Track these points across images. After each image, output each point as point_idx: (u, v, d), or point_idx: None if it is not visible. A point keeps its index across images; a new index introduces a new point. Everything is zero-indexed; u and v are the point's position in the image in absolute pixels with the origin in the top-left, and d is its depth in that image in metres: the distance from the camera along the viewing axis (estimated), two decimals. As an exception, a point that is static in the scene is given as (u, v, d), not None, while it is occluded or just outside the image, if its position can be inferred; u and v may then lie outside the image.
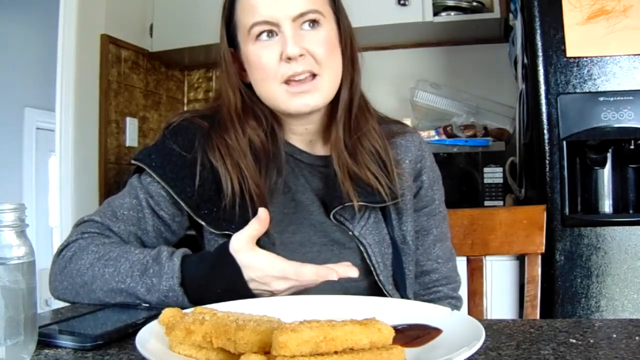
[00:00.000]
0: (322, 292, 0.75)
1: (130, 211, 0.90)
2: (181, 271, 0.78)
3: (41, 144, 3.86)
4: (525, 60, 1.61)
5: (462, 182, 2.03)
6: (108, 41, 2.33)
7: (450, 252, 1.04)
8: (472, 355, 0.48)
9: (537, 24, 1.50)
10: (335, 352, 0.45)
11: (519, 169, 1.90)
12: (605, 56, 1.46)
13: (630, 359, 0.53)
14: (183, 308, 0.60)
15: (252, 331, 0.48)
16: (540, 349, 0.56)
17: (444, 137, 2.13)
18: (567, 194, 1.48)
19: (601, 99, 1.45)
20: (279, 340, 0.43)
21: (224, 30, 0.94)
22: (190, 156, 0.90)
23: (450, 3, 2.23)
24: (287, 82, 0.88)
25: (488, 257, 1.21)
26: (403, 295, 0.93)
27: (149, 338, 0.53)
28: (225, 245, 0.77)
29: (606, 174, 1.53)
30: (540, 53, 1.49)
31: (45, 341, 0.60)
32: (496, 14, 2.18)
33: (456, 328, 0.56)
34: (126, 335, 0.63)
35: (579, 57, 1.47)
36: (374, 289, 0.91)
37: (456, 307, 1.02)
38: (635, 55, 1.46)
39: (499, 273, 1.71)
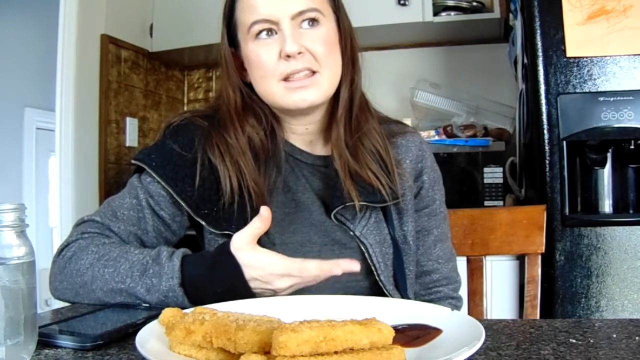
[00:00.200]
0: (322, 292, 0.75)
1: (130, 211, 0.90)
2: (181, 271, 0.78)
3: (41, 144, 3.85)
4: (525, 60, 1.61)
5: (462, 182, 2.03)
6: (108, 41, 2.33)
7: (450, 252, 1.04)
8: (472, 355, 0.48)
9: (537, 24, 1.50)
10: (335, 352, 0.45)
11: (519, 169, 1.90)
12: (605, 56, 1.46)
13: (630, 359, 0.53)
14: (183, 308, 0.60)
15: (252, 331, 0.48)
16: (540, 349, 0.56)
17: (444, 137, 2.13)
18: (567, 194, 1.48)
19: (601, 99, 1.45)
20: (279, 340, 0.43)
21: (225, 30, 0.95)
22: (190, 156, 0.90)
23: (450, 3, 2.23)
24: (286, 79, 0.88)
25: (488, 257, 1.21)
26: (404, 295, 0.93)
27: (149, 338, 0.53)
28: (226, 245, 0.77)
29: (606, 174, 1.53)
30: (540, 53, 1.49)
31: (45, 341, 0.60)
32: (496, 14, 2.18)
33: (456, 328, 0.56)
34: (126, 335, 0.63)
35: (579, 57, 1.47)
36: (375, 289, 0.91)
37: (456, 307, 1.02)
38: (635, 55, 1.46)
39: (499, 273, 1.71)
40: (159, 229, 0.92)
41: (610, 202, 1.52)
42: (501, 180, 2.00)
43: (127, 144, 2.45)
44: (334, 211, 0.90)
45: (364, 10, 2.04)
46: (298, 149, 0.97)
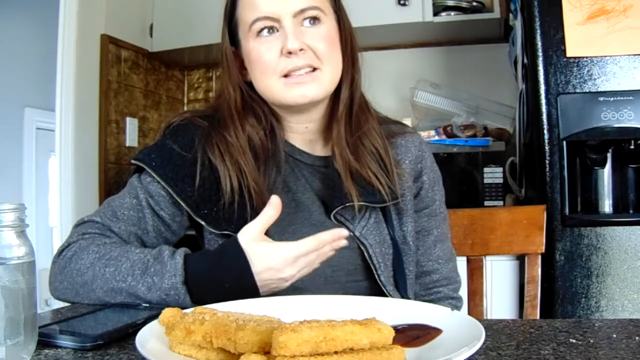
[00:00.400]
0: (322, 292, 0.75)
1: (131, 211, 0.90)
2: (184, 269, 0.78)
3: (41, 144, 3.85)
4: (525, 60, 1.61)
5: (462, 182, 2.03)
6: (108, 41, 2.33)
7: (450, 252, 1.04)
8: (472, 355, 0.48)
9: (537, 24, 1.50)
10: (335, 352, 0.45)
11: (519, 169, 1.90)
12: (605, 56, 1.46)
13: (630, 359, 0.53)
14: (183, 308, 0.60)
15: (252, 331, 0.48)
16: (540, 349, 0.56)
17: (444, 137, 2.13)
18: (567, 194, 1.48)
19: (601, 99, 1.45)
20: (279, 340, 0.43)
21: (226, 28, 0.95)
22: (190, 156, 0.90)
23: (450, 3, 2.23)
24: (287, 75, 0.88)
25: (488, 257, 1.21)
26: (404, 295, 0.93)
27: (149, 338, 0.53)
28: (234, 238, 0.78)
29: (606, 174, 1.53)
30: (540, 53, 1.49)
31: (45, 341, 0.60)
32: (496, 14, 2.18)
33: (456, 328, 0.56)
34: (126, 335, 0.63)
35: (579, 57, 1.47)
36: (375, 289, 0.91)
37: (456, 307, 1.02)
38: (635, 55, 1.46)
39: (499, 273, 1.71)
40: (159, 229, 0.92)
41: (610, 202, 1.52)
42: (501, 180, 2.00)
43: (127, 144, 2.45)
44: (334, 211, 0.90)
45: (364, 10, 2.04)
46: (298, 149, 0.97)
